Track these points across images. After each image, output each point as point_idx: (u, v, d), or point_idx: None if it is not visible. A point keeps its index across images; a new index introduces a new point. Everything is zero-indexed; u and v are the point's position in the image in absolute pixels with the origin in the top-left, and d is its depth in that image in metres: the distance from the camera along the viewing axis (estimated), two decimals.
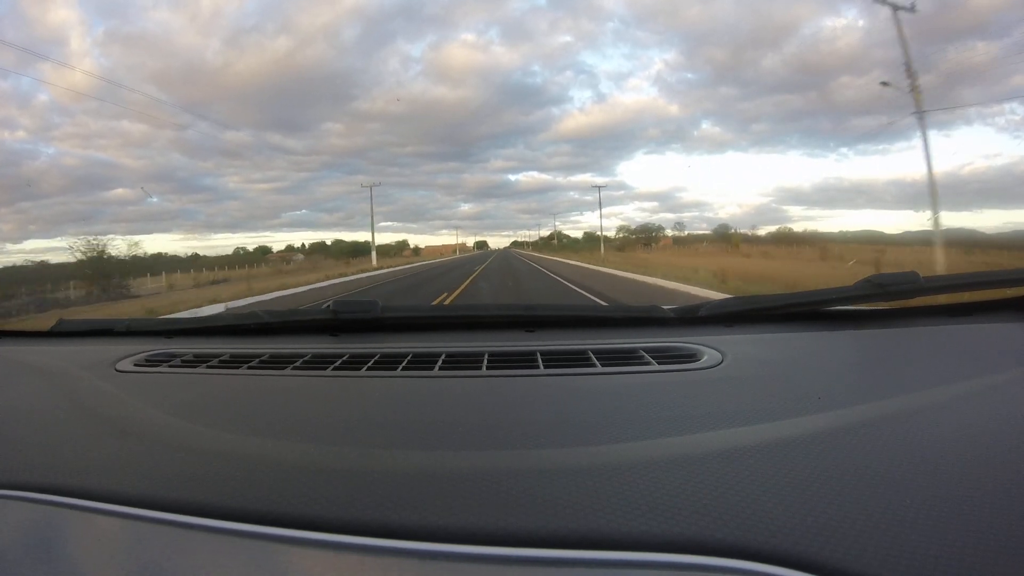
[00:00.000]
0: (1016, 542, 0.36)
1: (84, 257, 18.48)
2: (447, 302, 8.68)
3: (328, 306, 1.04)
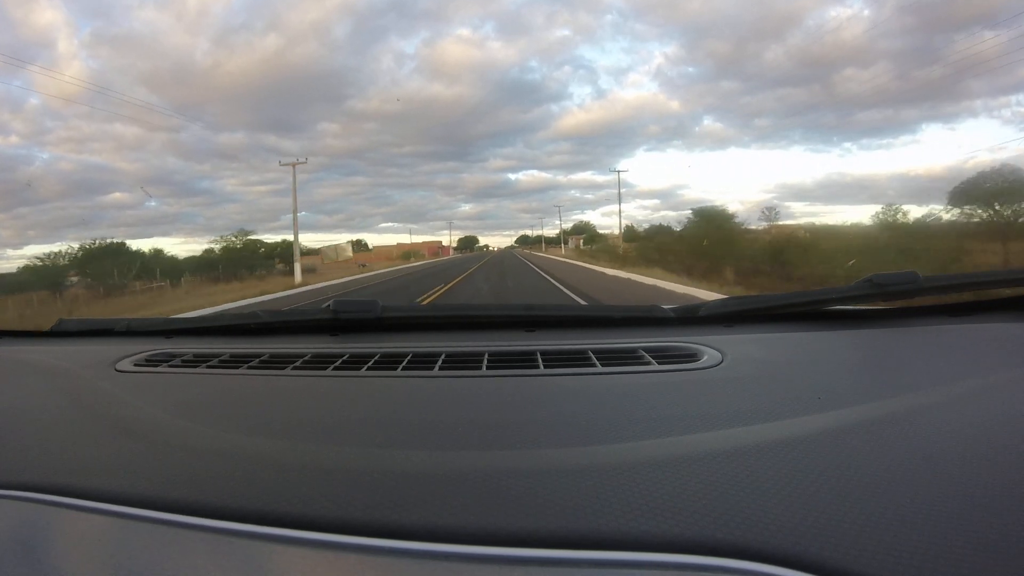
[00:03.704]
0: (1016, 543, 0.36)
1: None
2: None
3: (328, 306, 1.04)
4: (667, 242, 22.33)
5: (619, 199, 34.63)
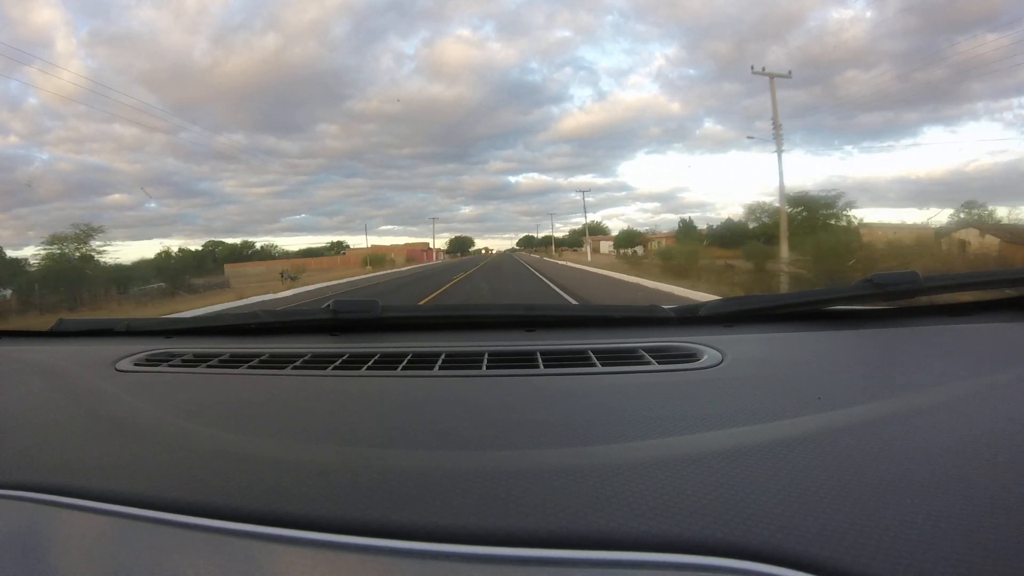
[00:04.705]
0: (1017, 543, 0.36)
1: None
2: None
3: (328, 306, 1.04)
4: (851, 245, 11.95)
5: (779, 157, 16.12)
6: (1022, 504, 0.40)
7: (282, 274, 28.37)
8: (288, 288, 18.98)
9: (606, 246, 53.47)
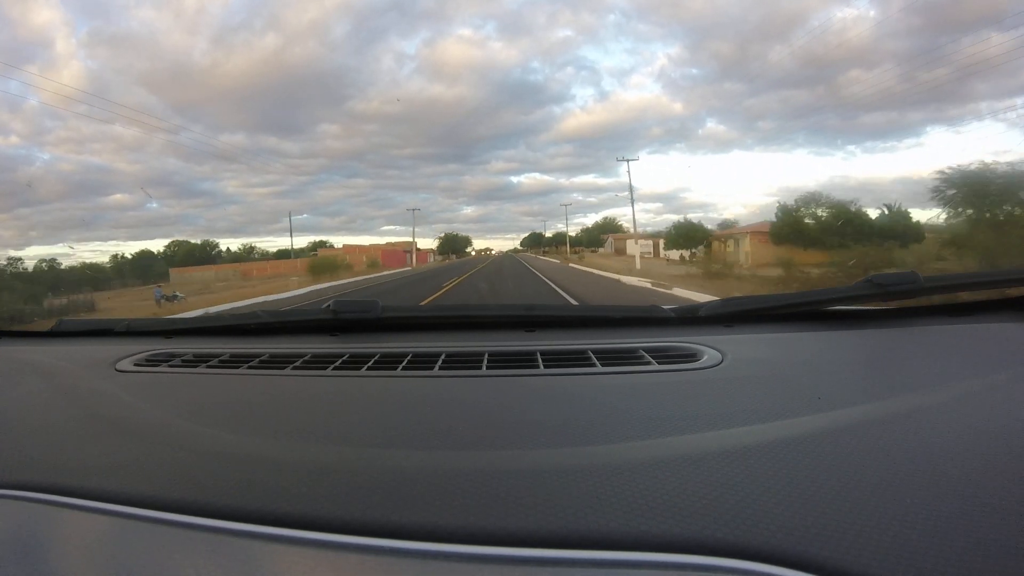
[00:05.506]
0: (1017, 542, 0.36)
1: None
2: None
3: (328, 306, 1.04)
4: None
5: None
6: (1022, 504, 0.40)
7: (156, 292, 19.57)
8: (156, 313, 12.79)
9: (633, 246, 31.34)
